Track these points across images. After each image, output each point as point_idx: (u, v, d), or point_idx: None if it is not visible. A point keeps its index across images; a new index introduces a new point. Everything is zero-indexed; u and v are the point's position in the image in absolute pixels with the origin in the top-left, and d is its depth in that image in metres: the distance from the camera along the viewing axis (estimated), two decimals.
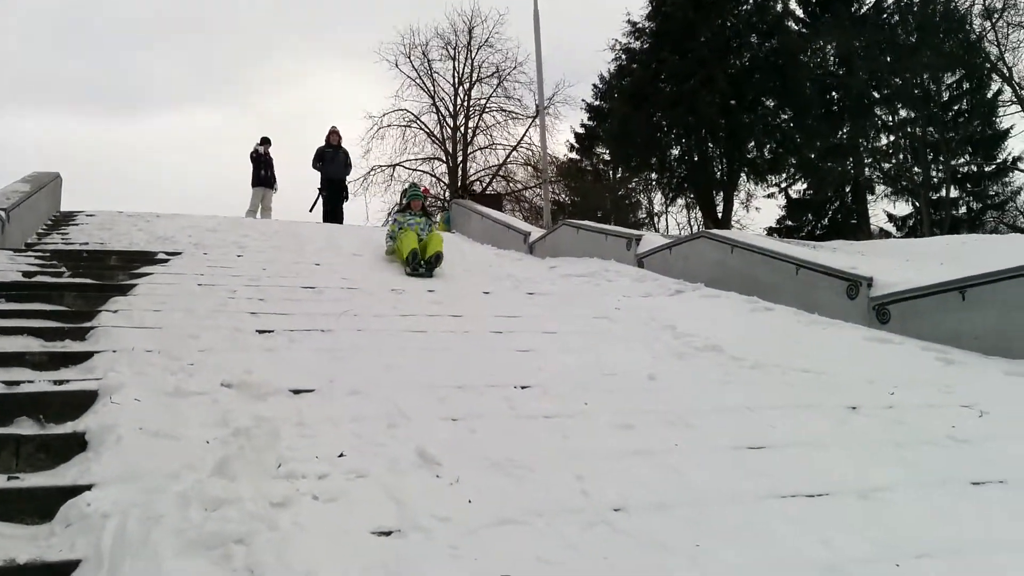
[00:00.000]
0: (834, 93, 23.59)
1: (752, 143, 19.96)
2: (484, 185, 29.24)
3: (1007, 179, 27.84)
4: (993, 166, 27.73)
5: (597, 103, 26.67)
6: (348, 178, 15.95)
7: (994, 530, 2.94)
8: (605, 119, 24.02)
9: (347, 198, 15.53)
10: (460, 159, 30.11)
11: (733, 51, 19.59)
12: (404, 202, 9.74)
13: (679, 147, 20.75)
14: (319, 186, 15.11)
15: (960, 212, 27.96)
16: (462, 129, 30.38)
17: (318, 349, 4.89)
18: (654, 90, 19.39)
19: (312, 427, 3.51)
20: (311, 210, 15.47)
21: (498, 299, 7.14)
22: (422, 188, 12.85)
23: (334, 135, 15.20)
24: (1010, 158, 27.33)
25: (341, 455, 3.24)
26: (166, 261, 7.73)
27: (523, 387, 4.34)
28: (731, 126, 19.08)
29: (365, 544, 2.62)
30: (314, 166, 15.06)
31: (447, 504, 2.89)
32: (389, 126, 29.79)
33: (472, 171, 30.31)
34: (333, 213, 15.09)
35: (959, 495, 3.26)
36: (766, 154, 20.23)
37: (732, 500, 3.10)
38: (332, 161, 14.95)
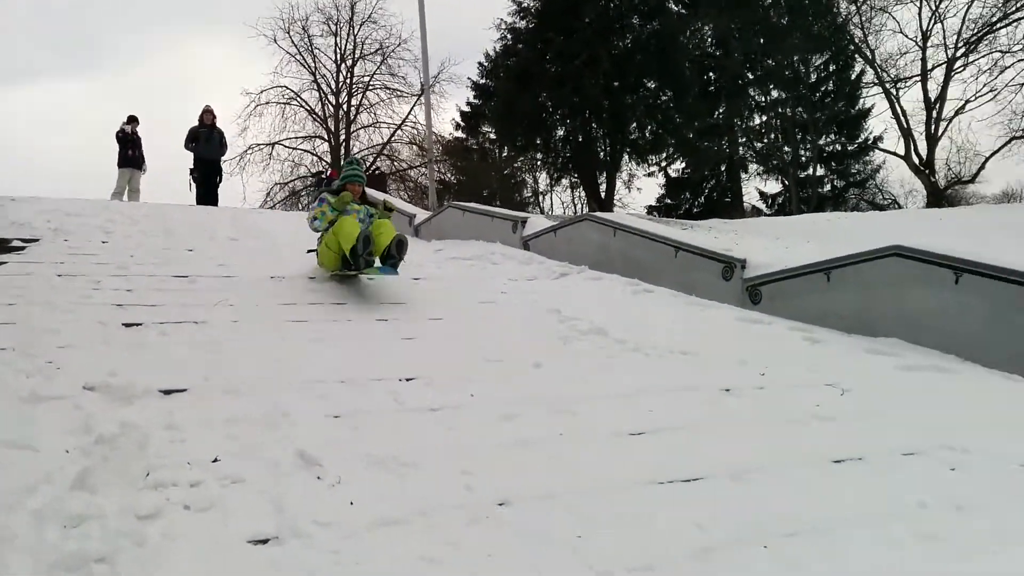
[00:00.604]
0: (711, 74, 24.47)
1: (634, 124, 20.43)
2: (368, 164, 28.79)
3: (868, 158, 29.74)
4: (855, 145, 29.54)
5: (483, 82, 26.52)
6: (223, 158, 15.46)
7: (854, 506, 3.12)
8: (491, 98, 24.00)
9: (220, 179, 15.02)
10: (343, 138, 29.55)
11: (616, 32, 19.93)
12: (336, 183, 7.05)
13: (564, 128, 21.02)
14: (191, 167, 14.60)
15: (825, 190, 29.69)
16: (345, 107, 29.82)
17: (191, 343, 4.66)
18: (540, 70, 19.52)
19: (184, 430, 3.34)
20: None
21: (383, 285, 7.02)
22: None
23: (208, 115, 14.73)
24: (871, 137, 29.19)
25: (216, 460, 3.10)
26: (22, 249, 7.20)
27: (408, 379, 4.29)
28: (614, 107, 19.46)
29: (241, 554, 2.52)
30: (187, 147, 14.56)
31: (328, 507, 2.81)
32: (267, 103, 28.98)
33: (355, 150, 29.80)
34: (207, 195, 14.60)
35: (822, 473, 3.44)
36: (647, 135, 20.77)
37: (614, 488, 3.16)
38: (207, 141, 14.51)
